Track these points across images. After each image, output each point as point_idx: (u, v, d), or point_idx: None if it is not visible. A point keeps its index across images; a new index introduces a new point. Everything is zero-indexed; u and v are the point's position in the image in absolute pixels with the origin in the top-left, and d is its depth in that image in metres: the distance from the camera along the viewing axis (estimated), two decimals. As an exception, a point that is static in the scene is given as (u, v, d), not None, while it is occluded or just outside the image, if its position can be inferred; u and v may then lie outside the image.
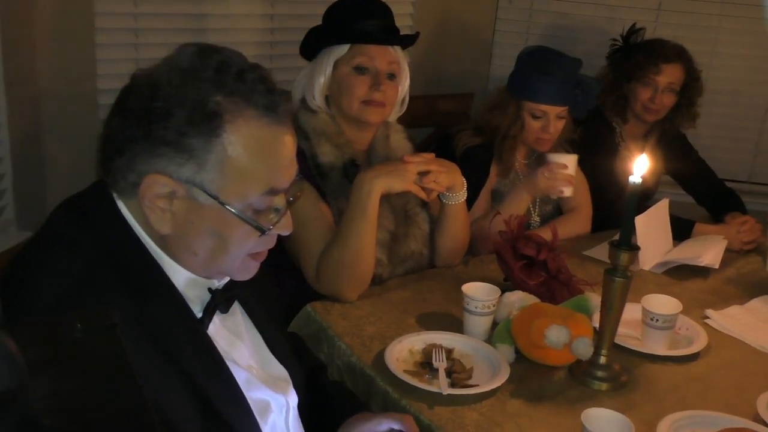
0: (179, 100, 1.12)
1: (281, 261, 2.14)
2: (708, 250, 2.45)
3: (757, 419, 1.63)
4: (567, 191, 2.46)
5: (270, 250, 2.16)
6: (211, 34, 2.92)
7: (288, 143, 1.21)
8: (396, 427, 1.37)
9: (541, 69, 2.51)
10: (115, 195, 1.20)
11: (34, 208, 2.57)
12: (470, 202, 2.49)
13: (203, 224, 1.17)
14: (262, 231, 1.20)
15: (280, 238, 2.12)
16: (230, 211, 1.16)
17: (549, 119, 2.51)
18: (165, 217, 1.16)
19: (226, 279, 1.28)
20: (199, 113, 1.12)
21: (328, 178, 2.11)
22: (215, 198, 1.15)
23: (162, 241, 1.19)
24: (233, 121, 1.13)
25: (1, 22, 2.34)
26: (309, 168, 2.10)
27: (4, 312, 1.10)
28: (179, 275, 1.21)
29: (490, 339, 1.86)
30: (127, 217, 1.19)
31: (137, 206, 1.17)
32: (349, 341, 1.84)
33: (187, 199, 1.15)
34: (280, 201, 1.22)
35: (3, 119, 2.43)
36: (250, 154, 1.15)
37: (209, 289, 1.25)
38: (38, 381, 0.57)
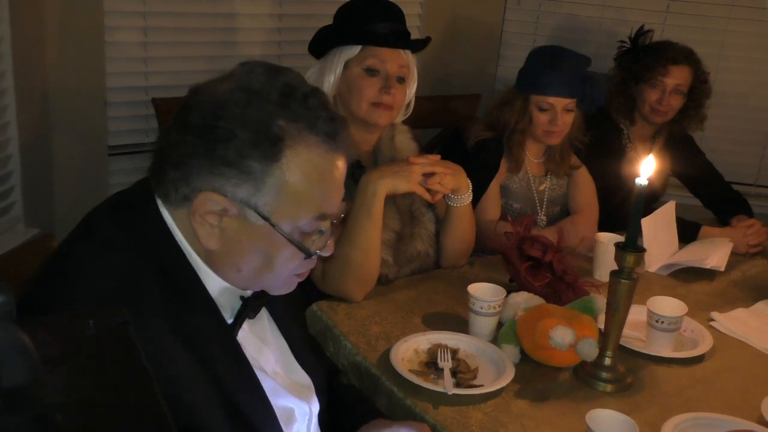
0: (243, 122, 1.12)
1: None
2: (714, 252, 2.45)
3: (762, 422, 1.63)
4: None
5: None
6: (219, 33, 2.94)
7: (341, 169, 1.22)
8: None
9: (548, 63, 2.54)
10: (160, 202, 1.20)
11: (42, 205, 2.59)
12: (479, 194, 2.50)
13: (251, 243, 1.18)
14: (309, 255, 1.21)
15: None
16: (280, 233, 1.17)
17: (556, 112, 2.52)
18: (213, 233, 1.17)
19: None
20: (262, 136, 1.12)
21: (334, 179, 2.11)
22: (267, 220, 1.15)
23: (207, 256, 1.20)
24: (294, 146, 1.14)
25: (11, 21, 2.35)
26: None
27: (40, 304, 1.11)
28: (214, 283, 1.22)
29: (495, 339, 1.87)
30: (169, 224, 1.19)
31: (183, 216, 1.18)
32: (354, 340, 1.85)
33: (238, 219, 1.16)
34: (326, 224, 1.23)
35: (12, 117, 2.44)
36: (307, 180, 1.16)
37: (241, 297, 1.26)
38: (51, 377, 0.58)
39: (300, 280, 1.29)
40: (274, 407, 1.25)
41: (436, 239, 2.25)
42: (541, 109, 2.53)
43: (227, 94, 1.14)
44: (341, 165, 1.21)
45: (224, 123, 1.12)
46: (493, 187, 2.57)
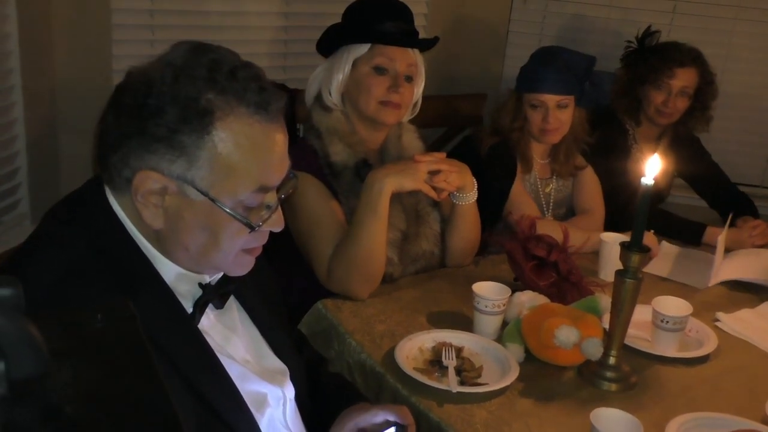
0: (172, 98, 1.13)
1: (293, 261, 2.15)
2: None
3: (766, 422, 1.63)
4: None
5: (281, 250, 2.19)
6: (226, 31, 2.94)
7: (279, 141, 1.22)
8: (392, 418, 1.38)
9: (540, 61, 2.56)
10: (108, 191, 1.21)
11: (49, 202, 2.58)
12: (503, 198, 2.51)
13: (195, 220, 1.18)
14: (252, 228, 1.21)
15: (291, 236, 2.14)
16: (220, 207, 1.17)
17: (548, 109, 2.53)
18: (157, 213, 1.17)
19: (219, 275, 1.30)
20: (191, 110, 1.13)
21: (340, 178, 2.12)
22: (205, 194, 1.16)
23: (155, 237, 1.21)
24: (224, 118, 1.14)
25: (19, 19, 2.36)
26: (321, 167, 2.11)
27: None
28: (169, 270, 1.23)
29: (500, 338, 1.87)
30: (118, 213, 1.20)
31: (129, 202, 1.19)
32: (359, 338, 1.85)
33: (178, 196, 1.17)
34: (271, 198, 1.23)
35: (19, 114, 2.45)
36: (241, 152, 1.16)
37: (199, 284, 1.26)
38: (60, 369, 0.58)
39: (251, 257, 1.28)
40: (243, 392, 1.25)
41: (441, 239, 2.25)
42: (533, 107, 2.54)
43: (156, 72, 1.16)
44: (278, 136, 1.21)
45: (153, 100, 1.13)
46: (518, 187, 2.58)
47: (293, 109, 2.75)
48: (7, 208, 2.48)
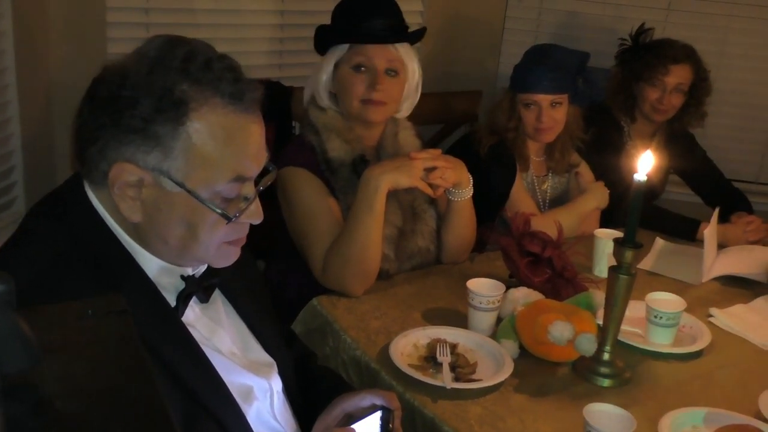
0: (147, 89, 1.14)
1: (289, 257, 2.15)
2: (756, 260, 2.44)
3: (759, 417, 1.64)
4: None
5: (278, 247, 2.19)
6: (221, 29, 2.94)
7: (254, 132, 1.22)
8: (378, 402, 1.38)
9: (532, 61, 2.56)
10: (88, 186, 1.22)
11: (45, 200, 2.60)
12: (505, 197, 2.52)
13: (172, 212, 1.18)
14: (228, 219, 1.20)
15: (288, 233, 2.14)
16: (197, 198, 1.17)
17: (541, 108, 2.53)
18: (135, 206, 1.18)
19: (203, 267, 1.30)
20: (165, 101, 1.13)
21: (337, 174, 2.12)
22: (181, 186, 1.16)
23: (134, 230, 1.21)
24: (199, 109, 1.15)
25: (14, 16, 2.36)
26: (318, 163, 2.11)
27: None
28: (151, 264, 1.23)
29: (494, 334, 1.88)
30: (97, 208, 1.21)
31: (109, 196, 1.19)
32: (354, 335, 1.85)
33: (155, 187, 1.17)
34: (248, 189, 1.23)
35: (15, 112, 2.45)
36: (216, 142, 1.16)
37: (182, 277, 1.26)
38: (51, 364, 0.59)
39: (235, 247, 1.28)
40: (229, 385, 1.25)
41: (437, 235, 2.26)
42: (527, 106, 2.55)
43: (130, 64, 1.16)
44: (254, 127, 1.21)
45: (127, 91, 1.14)
46: (518, 186, 2.58)
47: (289, 107, 2.76)
48: (2, 206, 2.48)
